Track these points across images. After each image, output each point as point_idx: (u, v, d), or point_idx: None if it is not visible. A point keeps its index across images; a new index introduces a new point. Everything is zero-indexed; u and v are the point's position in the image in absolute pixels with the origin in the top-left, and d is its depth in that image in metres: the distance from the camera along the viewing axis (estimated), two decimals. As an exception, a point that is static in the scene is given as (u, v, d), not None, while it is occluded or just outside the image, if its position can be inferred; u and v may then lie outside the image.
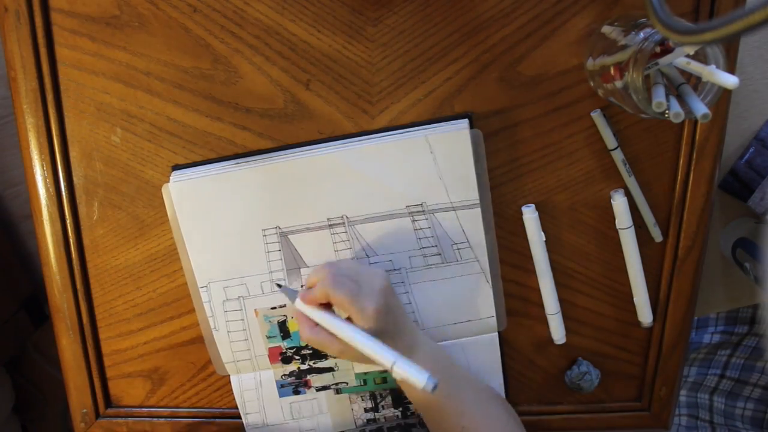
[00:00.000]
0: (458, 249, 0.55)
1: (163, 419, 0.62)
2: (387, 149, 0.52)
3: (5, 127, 0.83)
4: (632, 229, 0.55)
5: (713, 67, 0.42)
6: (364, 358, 0.48)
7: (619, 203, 0.54)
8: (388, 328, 0.48)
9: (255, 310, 0.56)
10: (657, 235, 0.55)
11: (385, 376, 0.59)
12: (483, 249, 0.55)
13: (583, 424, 0.62)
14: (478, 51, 0.52)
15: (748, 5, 0.25)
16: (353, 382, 0.59)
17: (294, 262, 0.55)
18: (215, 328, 0.57)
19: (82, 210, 0.56)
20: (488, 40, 0.51)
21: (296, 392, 0.59)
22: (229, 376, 0.60)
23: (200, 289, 0.56)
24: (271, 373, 0.59)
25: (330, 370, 0.58)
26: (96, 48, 0.52)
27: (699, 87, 0.44)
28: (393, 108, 0.53)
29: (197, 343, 0.59)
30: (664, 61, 0.43)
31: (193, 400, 0.62)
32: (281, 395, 0.59)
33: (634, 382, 0.60)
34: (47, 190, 0.55)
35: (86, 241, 0.57)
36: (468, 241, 0.55)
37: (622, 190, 0.54)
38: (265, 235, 0.55)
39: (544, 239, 0.56)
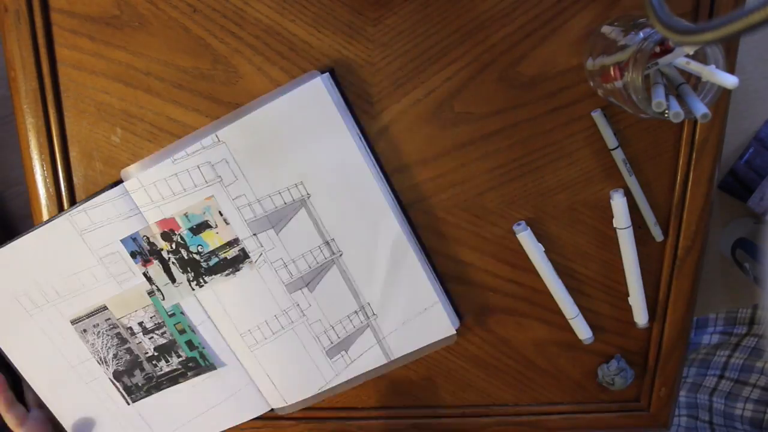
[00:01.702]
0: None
1: (162, 419, 0.62)
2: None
3: (5, 127, 0.83)
4: (630, 229, 0.55)
5: (713, 67, 0.42)
6: None
7: (617, 203, 0.54)
8: None
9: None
10: (658, 234, 0.56)
11: (188, 333, 0.58)
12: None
13: (583, 424, 0.62)
14: (478, 51, 0.52)
15: (748, 5, 0.25)
16: (167, 305, 0.57)
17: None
18: None
19: (81, 210, 0.56)
20: (488, 40, 0.51)
21: (133, 255, 0.55)
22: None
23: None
24: (146, 227, 0.55)
25: (172, 280, 0.56)
26: (96, 48, 0.52)
27: (699, 87, 0.44)
28: (393, 108, 0.53)
29: (197, 343, 0.59)
30: (663, 61, 0.43)
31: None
32: (125, 244, 0.55)
33: (634, 382, 0.60)
34: (47, 190, 0.55)
35: (86, 241, 0.57)
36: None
37: (621, 190, 0.54)
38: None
39: (543, 250, 0.56)
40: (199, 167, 0.53)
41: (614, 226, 0.55)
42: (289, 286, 0.56)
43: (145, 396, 0.60)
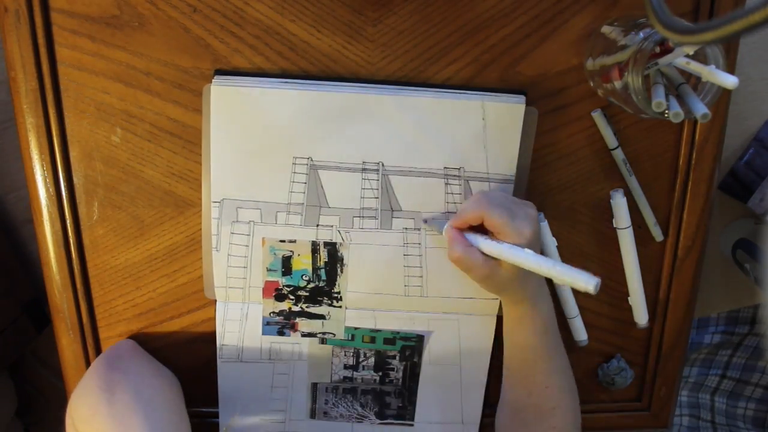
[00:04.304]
0: None
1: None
2: (441, 105, 0.52)
3: (6, 132, 0.83)
4: (630, 229, 0.55)
5: (713, 67, 0.42)
6: (500, 288, 0.50)
7: (618, 203, 0.54)
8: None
9: (263, 238, 0.55)
10: (657, 234, 0.56)
11: (374, 336, 0.58)
12: None
13: (583, 424, 0.62)
14: (478, 51, 0.52)
15: (748, 5, 0.25)
16: (341, 335, 0.58)
17: (317, 198, 0.54)
18: (216, 247, 0.55)
19: (82, 210, 0.56)
20: (488, 40, 0.51)
21: (281, 333, 0.58)
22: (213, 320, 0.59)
23: (212, 203, 0.54)
24: (260, 309, 0.57)
25: (321, 317, 0.57)
26: (96, 48, 0.52)
27: (699, 87, 0.44)
28: (393, 108, 0.53)
29: (198, 342, 0.59)
30: (663, 61, 0.43)
31: (193, 400, 0.62)
32: (264, 332, 0.58)
33: (634, 382, 0.60)
34: (47, 190, 0.55)
35: (86, 241, 0.57)
36: None
37: (621, 190, 0.54)
38: (294, 164, 0.53)
39: (556, 244, 0.56)
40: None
41: (614, 226, 0.55)
42: None
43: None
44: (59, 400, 0.64)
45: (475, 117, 0.52)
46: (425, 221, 0.54)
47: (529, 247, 0.46)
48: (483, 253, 0.48)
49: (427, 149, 0.53)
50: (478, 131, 0.52)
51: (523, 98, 0.52)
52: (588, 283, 0.42)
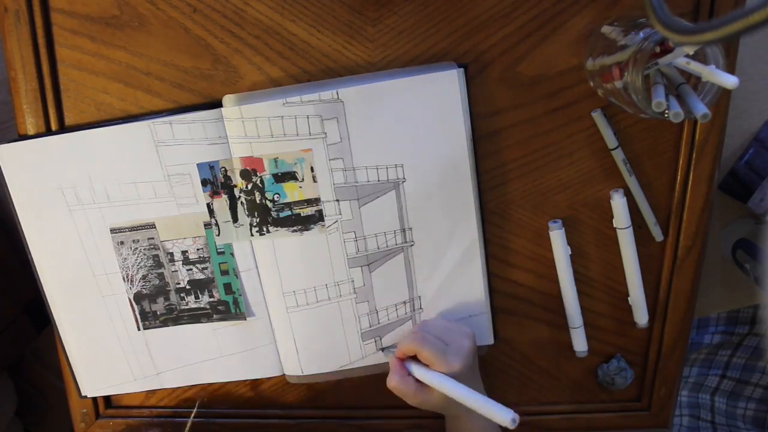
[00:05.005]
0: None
1: (162, 419, 0.62)
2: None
3: (6, 132, 0.83)
4: (630, 229, 0.55)
5: (713, 67, 0.42)
6: (436, 409, 0.53)
7: (617, 203, 0.54)
8: (467, 385, 0.50)
9: None
10: (657, 234, 0.55)
11: None
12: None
13: (583, 424, 0.62)
14: (478, 51, 0.52)
15: (748, 5, 0.25)
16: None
17: None
18: None
19: (82, 210, 0.56)
20: (488, 40, 0.51)
21: None
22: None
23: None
24: None
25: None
26: (96, 48, 0.52)
27: (699, 87, 0.44)
28: (393, 108, 0.53)
29: (197, 343, 0.59)
30: (663, 61, 0.43)
31: (192, 400, 0.62)
32: None
33: (634, 382, 0.60)
34: (47, 190, 0.55)
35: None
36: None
37: (621, 190, 0.54)
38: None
39: (570, 253, 0.56)
40: (308, 117, 0.51)
41: (614, 226, 0.55)
42: (351, 261, 0.55)
43: (160, 326, 0.58)
44: (59, 400, 0.64)
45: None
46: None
47: (460, 376, 0.50)
48: (417, 381, 0.51)
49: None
50: (414, 113, 0.52)
51: (454, 65, 0.51)
52: (505, 417, 0.45)
